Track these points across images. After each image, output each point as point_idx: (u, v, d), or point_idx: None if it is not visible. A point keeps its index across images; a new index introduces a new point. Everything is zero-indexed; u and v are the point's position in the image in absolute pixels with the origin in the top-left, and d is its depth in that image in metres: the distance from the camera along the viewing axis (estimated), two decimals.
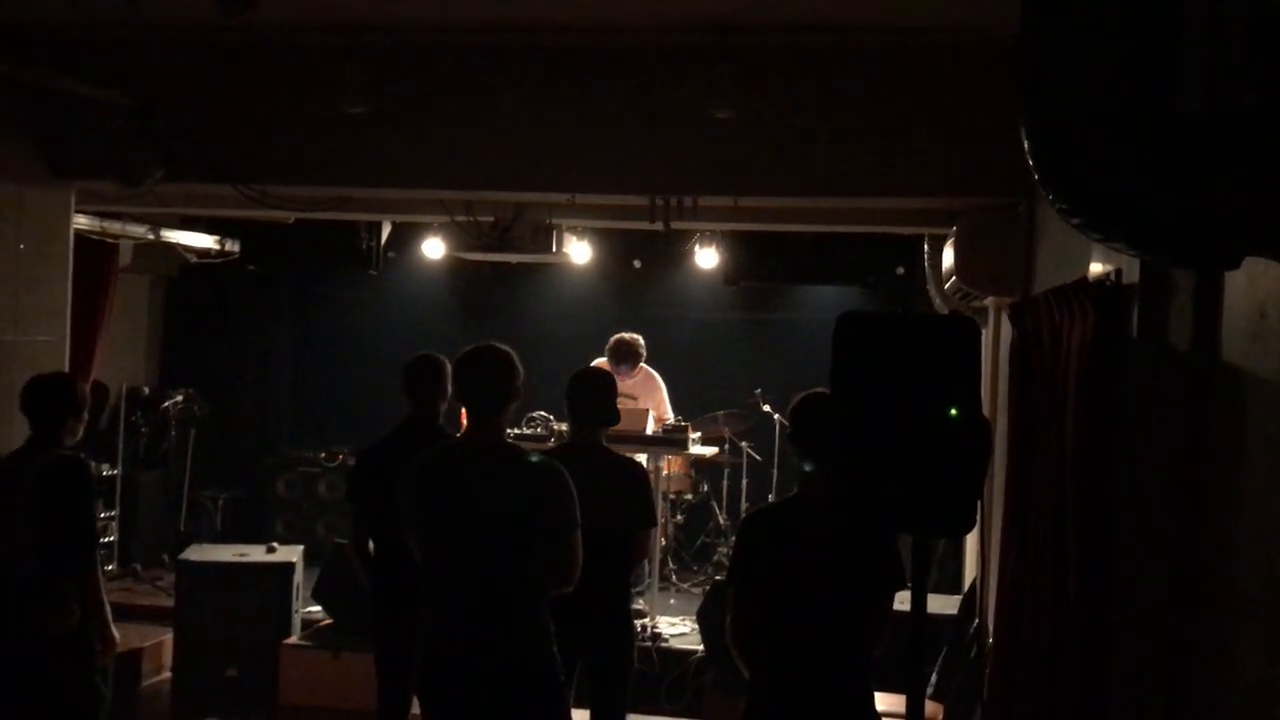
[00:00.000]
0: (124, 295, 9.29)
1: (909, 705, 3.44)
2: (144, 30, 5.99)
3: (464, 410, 4.46)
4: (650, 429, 8.23)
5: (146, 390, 10.17)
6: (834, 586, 3.90)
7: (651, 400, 8.76)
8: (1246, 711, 2.84)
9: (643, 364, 8.81)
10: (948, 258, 6.58)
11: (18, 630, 4.77)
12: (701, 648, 7.19)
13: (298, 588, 7.53)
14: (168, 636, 7.56)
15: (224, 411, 10.84)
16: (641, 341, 8.72)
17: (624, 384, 8.30)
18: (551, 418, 8.41)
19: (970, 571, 7.34)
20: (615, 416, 5.31)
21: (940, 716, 5.86)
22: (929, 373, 3.22)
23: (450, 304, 10.87)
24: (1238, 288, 3.02)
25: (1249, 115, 2.37)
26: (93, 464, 5.06)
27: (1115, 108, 2.37)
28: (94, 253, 8.06)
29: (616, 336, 8.71)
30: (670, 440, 8.27)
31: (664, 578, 8.89)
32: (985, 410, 3.66)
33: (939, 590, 7.30)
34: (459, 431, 4.47)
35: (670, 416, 8.76)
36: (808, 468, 3.99)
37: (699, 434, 8.78)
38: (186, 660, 7.30)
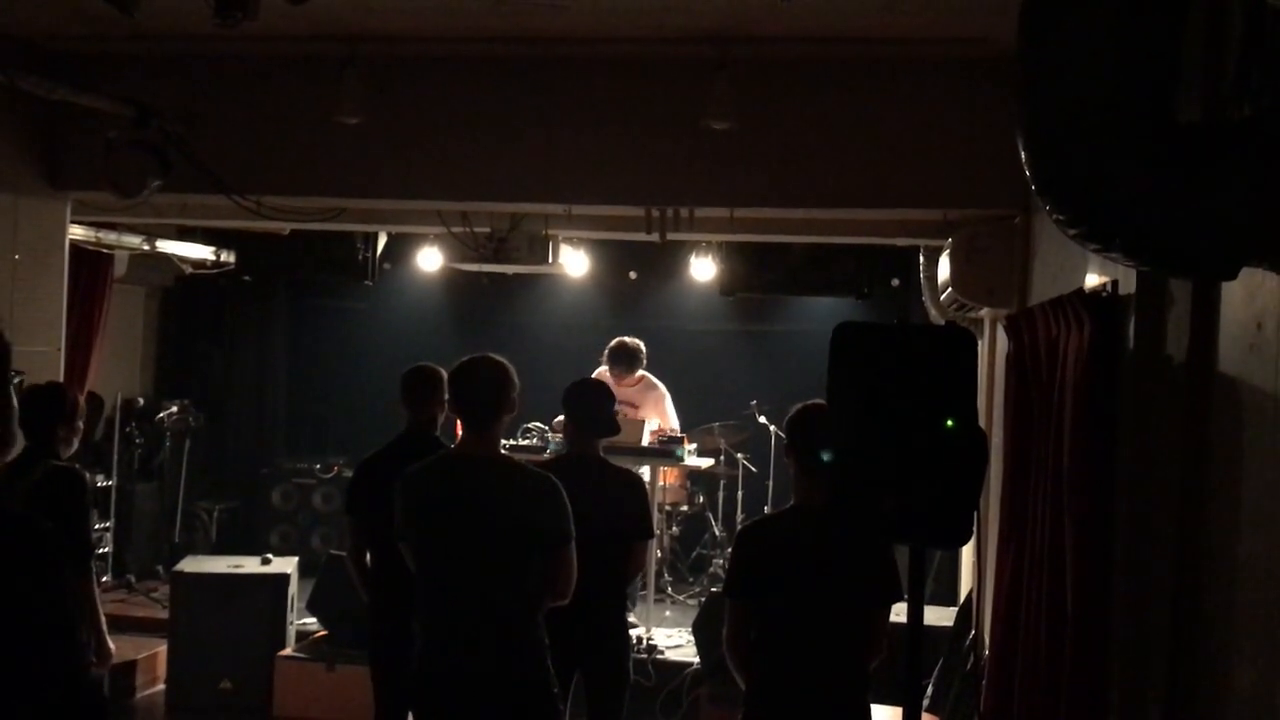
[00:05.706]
0: (119, 306, 9.27)
1: (906, 717, 3.43)
2: (141, 41, 6.00)
3: (459, 421, 4.45)
4: (646, 440, 8.20)
5: (141, 401, 10.12)
6: (831, 598, 3.89)
7: (656, 410, 8.72)
8: None
9: (644, 372, 8.77)
10: (944, 269, 6.58)
11: None
12: (697, 660, 7.17)
13: (293, 599, 7.50)
14: (162, 648, 7.52)
15: (219, 423, 10.82)
16: (642, 346, 8.64)
17: (625, 392, 8.27)
18: (547, 429, 8.39)
19: (966, 583, 7.32)
20: (614, 427, 5.29)
21: None
22: (925, 384, 3.21)
23: (446, 315, 10.84)
24: (1235, 299, 3.02)
25: (1246, 125, 2.37)
26: (88, 475, 5.03)
27: (1113, 117, 2.38)
28: (90, 263, 8.04)
29: (618, 339, 8.66)
30: (665, 452, 8.24)
31: (659, 590, 8.87)
32: (981, 422, 3.64)
33: (934, 602, 7.28)
34: (455, 442, 4.45)
35: (675, 426, 8.70)
36: (804, 479, 3.98)
37: (694, 445, 8.76)
38: (181, 672, 7.26)
